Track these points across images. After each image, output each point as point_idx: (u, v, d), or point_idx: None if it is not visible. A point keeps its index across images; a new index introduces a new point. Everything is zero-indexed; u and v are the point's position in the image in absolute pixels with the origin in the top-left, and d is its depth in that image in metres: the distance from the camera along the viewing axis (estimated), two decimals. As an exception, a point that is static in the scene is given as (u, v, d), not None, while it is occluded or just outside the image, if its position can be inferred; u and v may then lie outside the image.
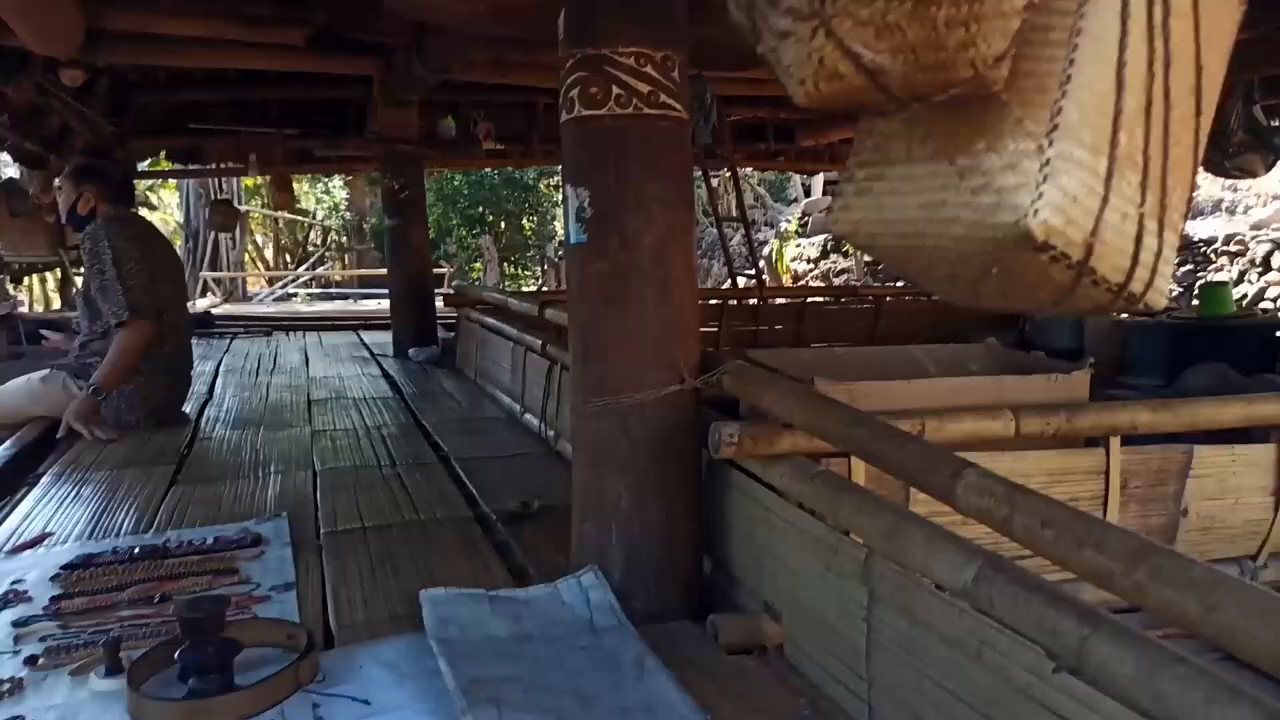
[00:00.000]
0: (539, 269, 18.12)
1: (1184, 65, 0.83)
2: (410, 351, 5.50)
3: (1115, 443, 1.91)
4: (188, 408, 3.94)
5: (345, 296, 16.79)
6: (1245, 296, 8.07)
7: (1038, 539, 1.06)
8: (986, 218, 0.81)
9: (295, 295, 17.06)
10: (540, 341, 3.53)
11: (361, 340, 6.59)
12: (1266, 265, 8.18)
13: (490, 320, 4.50)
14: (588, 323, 1.95)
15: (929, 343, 5.95)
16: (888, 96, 0.68)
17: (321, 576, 2.03)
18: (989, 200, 0.80)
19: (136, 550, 2.16)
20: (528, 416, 3.71)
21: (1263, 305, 8.03)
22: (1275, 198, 9.74)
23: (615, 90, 1.86)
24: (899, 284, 11.92)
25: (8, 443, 3.24)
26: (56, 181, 6.76)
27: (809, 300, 6.39)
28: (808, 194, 17.23)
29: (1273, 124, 4.75)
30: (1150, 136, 0.81)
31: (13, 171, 13.33)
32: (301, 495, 2.66)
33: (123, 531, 2.35)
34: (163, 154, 7.30)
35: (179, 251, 17.49)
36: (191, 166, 7.64)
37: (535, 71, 5.45)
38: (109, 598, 1.91)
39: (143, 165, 7.50)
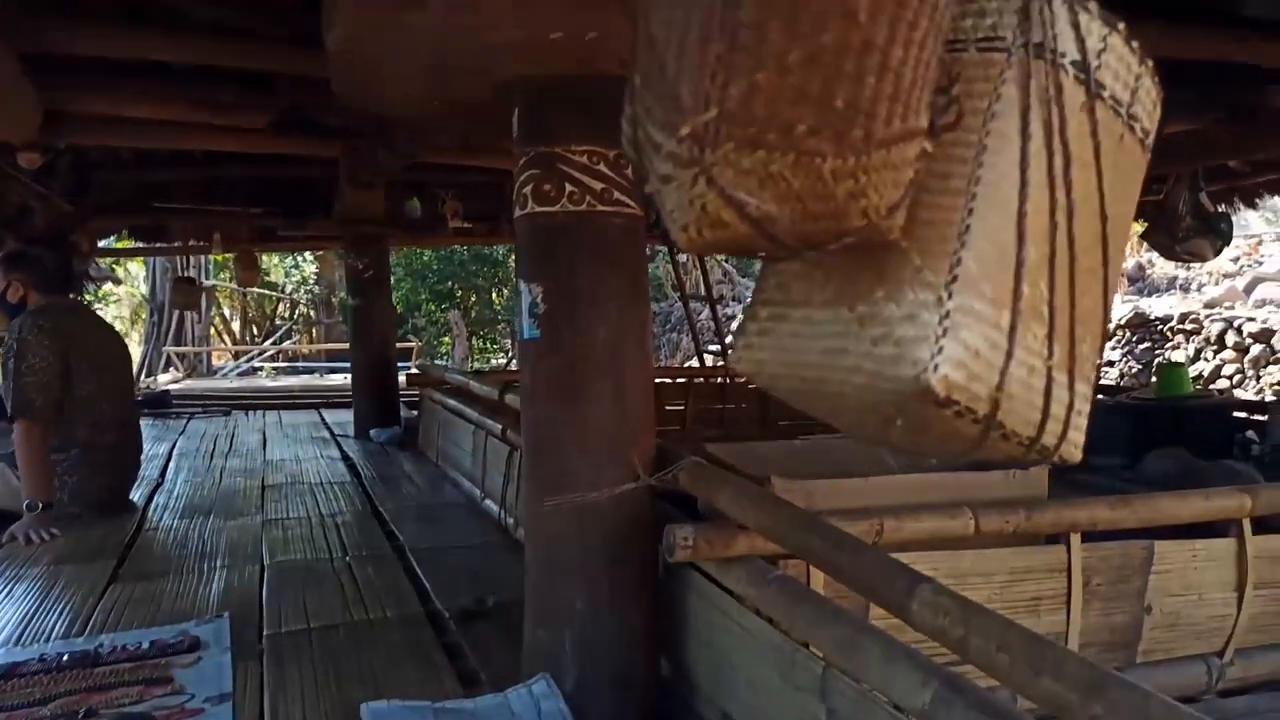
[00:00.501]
0: (508, 343, 18.11)
1: (1088, 214, 0.82)
2: (372, 432, 5.41)
3: (1076, 539, 1.88)
4: (136, 494, 3.82)
5: (311, 370, 16.62)
6: (1201, 374, 8.22)
7: (993, 663, 1.02)
8: (887, 369, 0.80)
9: (260, 369, 16.87)
10: (500, 426, 3.48)
11: (323, 419, 6.48)
12: (1221, 343, 8.35)
13: (452, 402, 4.44)
14: (541, 419, 1.91)
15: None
16: (776, 244, 0.66)
17: (261, 686, 1.93)
18: (889, 352, 0.79)
19: (65, 658, 2.05)
20: (488, 502, 3.63)
21: (1220, 383, 8.17)
22: (1226, 276, 10.02)
23: (568, 187, 1.87)
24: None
25: (-59, 537, 3.11)
26: None
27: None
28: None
29: (1218, 210, 4.90)
30: (1056, 288, 0.80)
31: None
32: (247, 592, 2.56)
33: (53, 635, 2.24)
34: (125, 231, 7.24)
35: (144, 325, 17.25)
36: (155, 244, 7.58)
37: (502, 155, 5.51)
38: (30, 713, 1.80)
39: (105, 242, 7.43)
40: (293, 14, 3.16)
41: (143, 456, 3.85)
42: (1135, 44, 0.90)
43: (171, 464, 4.69)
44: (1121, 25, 0.88)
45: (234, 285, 18.74)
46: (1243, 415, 4.43)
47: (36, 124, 3.67)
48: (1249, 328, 8.11)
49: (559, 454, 1.87)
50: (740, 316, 0.97)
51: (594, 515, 1.83)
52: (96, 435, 3.40)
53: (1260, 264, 10.25)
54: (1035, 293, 0.80)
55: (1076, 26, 0.83)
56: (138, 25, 3.50)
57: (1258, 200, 5.93)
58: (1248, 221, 10.76)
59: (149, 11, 3.45)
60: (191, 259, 16.15)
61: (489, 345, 17.58)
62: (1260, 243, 11.17)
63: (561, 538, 1.85)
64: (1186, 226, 4.49)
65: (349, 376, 12.31)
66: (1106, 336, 0.92)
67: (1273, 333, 8.00)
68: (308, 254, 19.72)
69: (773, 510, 1.52)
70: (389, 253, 5.89)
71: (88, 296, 8.83)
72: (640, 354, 1.93)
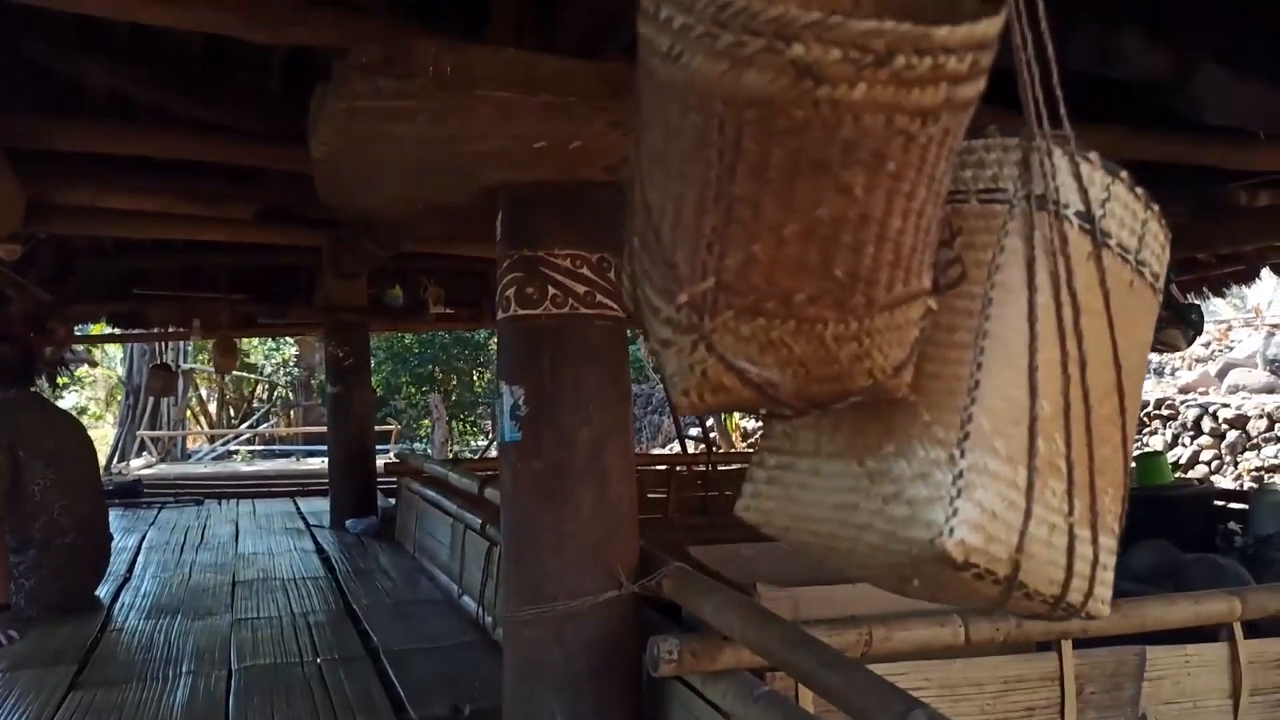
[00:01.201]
0: (488, 424, 18.00)
1: (1101, 363, 0.81)
2: (348, 523, 5.30)
3: (1067, 646, 1.85)
4: (103, 590, 3.69)
5: (288, 454, 16.39)
6: (1179, 461, 8.27)
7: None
8: (900, 530, 0.77)
9: (236, 453, 16.62)
10: (480, 520, 3.42)
11: (298, 509, 6.35)
12: (1197, 429, 8.43)
13: (430, 493, 4.37)
14: (521, 524, 1.88)
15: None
16: (780, 405, 0.65)
17: (223, 808, 1.84)
18: (901, 512, 0.77)
19: (16, 778, 1.95)
20: (465, 599, 3.54)
21: (1198, 469, 8.21)
22: (1199, 361, 10.17)
23: (551, 290, 1.88)
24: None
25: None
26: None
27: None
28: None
29: (1189, 300, 4.99)
30: (1072, 441, 0.79)
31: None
32: (211, 703, 2.45)
33: (6, 751, 2.13)
34: (104, 318, 7.20)
35: (120, 408, 17.01)
36: (132, 330, 7.53)
37: (485, 244, 5.56)
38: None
39: (82, 328, 7.38)
40: (279, 111, 3.21)
41: (109, 553, 3.73)
42: (1140, 190, 0.91)
43: (140, 557, 4.56)
44: (1124, 173, 0.89)
45: (209, 369, 18.64)
46: (1224, 504, 4.44)
47: (20, 216, 3.67)
48: (1224, 414, 8.20)
49: (539, 560, 1.84)
50: (750, 464, 0.93)
51: (575, 624, 1.79)
52: (54, 534, 3.26)
53: (1231, 349, 10.44)
54: (1051, 447, 0.78)
55: (1078, 177, 0.84)
56: (125, 121, 3.55)
57: (1225, 289, 6.07)
58: (1216, 308, 10.99)
59: (136, 107, 3.50)
60: (170, 343, 16.08)
61: (469, 428, 17.45)
62: (1230, 328, 11.39)
63: (541, 646, 1.80)
64: (1160, 318, 4.56)
65: (326, 460, 12.15)
66: (1129, 484, 0.90)
67: (1247, 419, 8.09)
68: (287, 337, 19.68)
69: (759, 624, 1.48)
70: (369, 341, 5.87)
71: (62, 380, 8.73)
72: (623, 456, 1.91)
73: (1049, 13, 0.75)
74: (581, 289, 1.89)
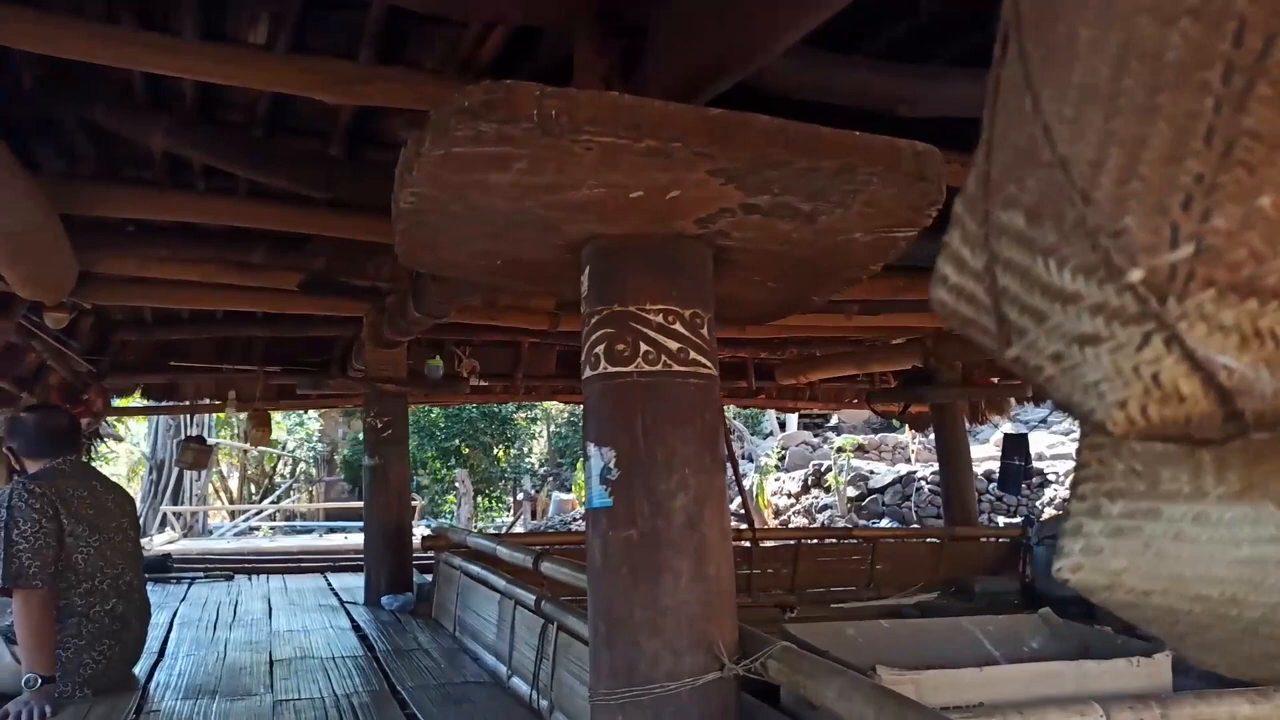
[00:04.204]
0: (511, 500, 17.79)
1: None
2: (384, 600, 5.13)
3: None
4: (137, 668, 3.54)
5: (310, 530, 16.22)
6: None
7: None
8: None
9: (258, 529, 16.47)
10: (534, 597, 3.26)
11: (329, 585, 6.18)
12: None
13: (474, 568, 4.21)
14: (612, 598, 1.74)
15: (930, 586, 5.72)
16: (1232, 424, 0.50)
17: None
18: None
19: None
20: (516, 681, 3.35)
21: None
22: None
23: (643, 347, 1.78)
24: (884, 522, 11.77)
25: (-77, 723, 2.83)
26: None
27: (802, 542, 6.15)
28: (783, 428, 17.40)
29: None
30: None
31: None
32: (261, 793, 2.28)
33: None
34: (138, 391, 7.18)
35: (142, 483, 16.99)
36: (166, 403, 7.50)
37: (524, 314, 5.53)
38: None
39: (114, 401, 7.35)
40: (337, 176, 3.19)
41: (148, 623, 3.58)
42: None
43: (173, 634, 4.40)
44: None
45: (234, 443, 18.61)
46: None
47: (71, 284, 3.64)
48: None
49: (633, 637, 1.69)
50: (1070, 513, 0.73)
51: (675, 709, 1.64)
52: (95, 603, 3.16)
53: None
54: None
55: None
56: (179, 188, 3.54)
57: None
58: None
59: (190, 174, 3.50)
60: (195, 416, 16.09)
61: (494, 504, 17.25)
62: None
63: (636, 736, 1.64)
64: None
65: (349, 536, 11.98)
66: None
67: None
68: (312, 411, 19.71)
69: (896, 712, 1.33)
70: (408, 412, 5.78)
71: (95, 453, 8.68)
72: (720, 525, 1.78)
73: None
74: (674, 346, 1.79)
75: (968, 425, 7.78)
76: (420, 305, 4.14)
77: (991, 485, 11.00)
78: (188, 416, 16.12)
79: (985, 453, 12.03)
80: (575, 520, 14.62)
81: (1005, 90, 0.57)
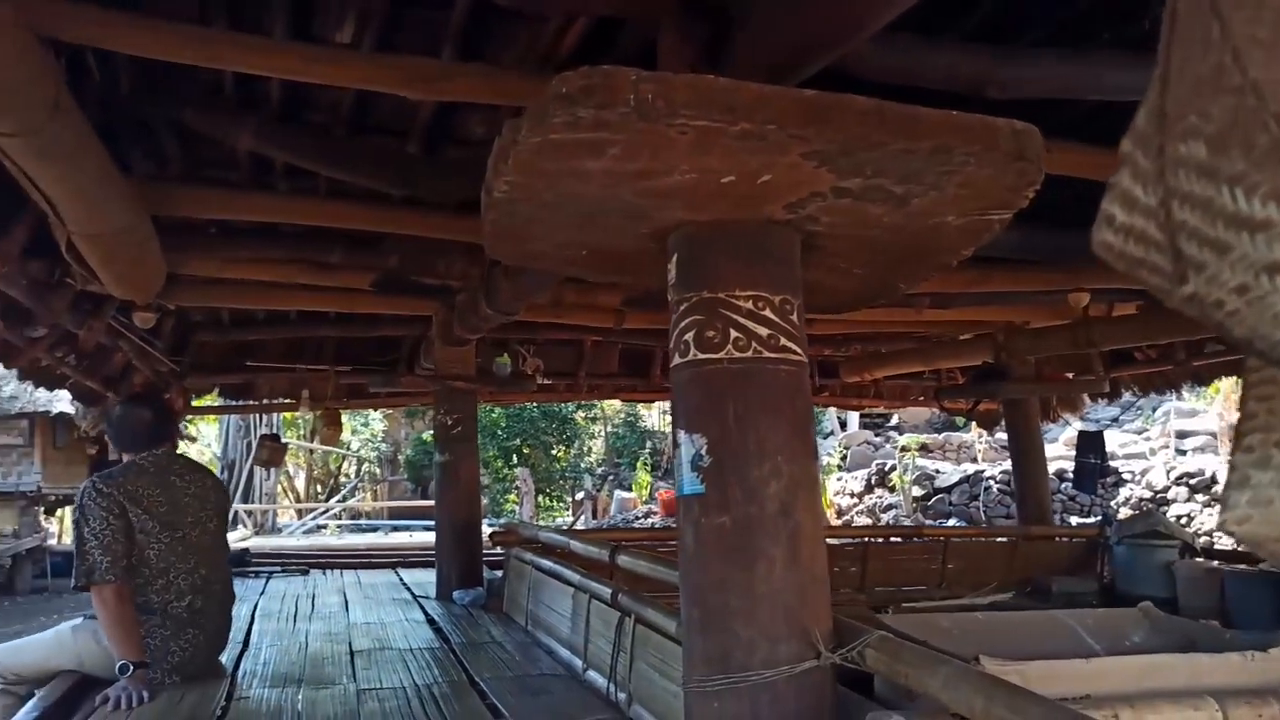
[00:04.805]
0: (570, 499, 17.89)
1: None
2: (455, 594, 5.20)
3: (1336, 734, 1.60)
4: (224, 657, 3.63)
5: (375, 528, 16.53)
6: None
7: None
8: None
9: (325, 527, 16.84)
10: (610, 590, 3.26)
11: (401, 579, 6.29)
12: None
13: (546, 563, 4.24)
14: (705, 585, 1.73)
15: (1004, 586, 5.59)
16: None
17: None
18: None
19: None
20: (592, 674, 3.37)
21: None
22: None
23: (733, 334, 1.77)
24: (951, 522, 11.55)
25: (30, 704, 2.95)
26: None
27: (870, 540, 6.07)
28: (843, 427, 17.21)
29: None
30: None
31: (64, 405, 13.67)
32: (353, 777, 2.33)
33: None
34: (216, 390, 7.39)
35: (214, 483, 17.52)
36: (242, 402, 7.71)
37: (589, 312, 5.55)
38: None
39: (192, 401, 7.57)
40: (415, 174, 3.24)
41: (231, 618, 3.65)
42: None
43: (255, 626, 4.52)
44: None
45: (301, 443, 19.06)
46: None
47: (160, 284, 3.77)
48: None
49: (727, 625, 1.69)
50: (1235, 465, 0.70)
51: (770, 696, 1.62)
52: (172, 599, 3.20)
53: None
54: None
55: None
56: (262, 189, 3.63)
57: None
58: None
59: (272, 175, 3.59)
60: (264, 416, 16.51)
61: (554, 502, 17.38)
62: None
63: (734, 722, 1.63)
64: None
65: (413, 535, 12.13)
66: None
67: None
68: (374, 412, 20.09)
69: (1008, 701, 1.30)
70: (477, 409, 5.85)
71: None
72: (813, 512, 1.76)
73: None
74: (764, 332, 1.78)
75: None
76: (492, 302, 4.19)
77: (1064, 485, 10.72)
78: (257, 417, 16.52)
79: (1055, 452, 11.73)
80: (638, 518, 14.67)
81: (1184, 19, 0.55)
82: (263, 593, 5.69)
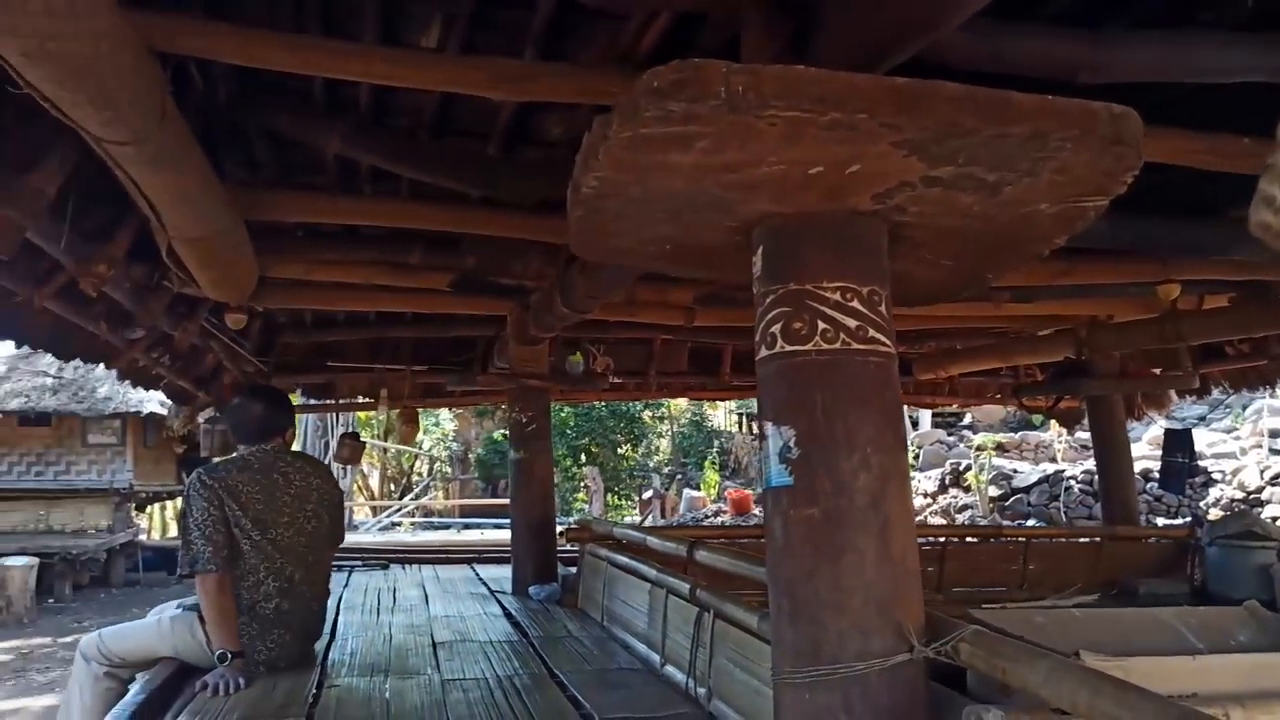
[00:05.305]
0: (638, 498, 17.96)
1: None
2: (531, 589, 5.27)
3: None
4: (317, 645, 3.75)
5: (447, 526, 16.85)
6: None
7: None
8: None
9: (399, 524, 17.23)
10: (689, 585, 3.27)
11: (477, 574, 6.40)
12: None
13: (622, 559, 4.27)
14: (794, 576, 1.73)
15: (1089, 588, 5.44)
16: None
17: None
18: None
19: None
20: (670, 669, 3.38)
21: None
22: None
23: (821, 325, 1.77)
24: (1030, 523, 11.26)
25: (136, 687, 3.09)
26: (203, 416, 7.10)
27: (948, 540, 5.96)
28: (915, 426, 16.91)
29: None
30: None
31: (153, 405, 14.26)
32: (444, 762, 2.38)
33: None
34: (298, 390, 7.62)
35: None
36: (323, 401, 7.94)
37: (660, 309, 5.57)
38: None
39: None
40: (495, 174, 3.30)
41: (322, 620, 3.71)
42: None
43: (341, 617, 4.65)
44: None
45: (376, 442, 19.52)
46: None
47: (253, 287, 3.91)
48: None
49: (817, 616, 1.68)
50: None
51: (862, 689, 1.62)
52: (259, 599, 3.28)
53: None
54: None
55: None
56: (347, 192, 3.74)
57: None
58: None
59: (356, 179, 3.69)
60: (341, 416, 16.94)
61: (622, 500, 17.47)
62: None
63: (826, 713, 1.63)
64: None
65: (487, 533, 12.31)
66: None
67: None
68: (446, 412, 20.46)
69: (1116, 698, 1.27)
70: (550, 407, 5.92)
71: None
72: (903, 506, 1.75)
73: None
74: (853, 324, 1.77)
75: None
76: (567, 300, 4.24)
77: (1149, 485, 10.37)
78: (333, 417, 16.94)
79: (1139, 451, 11.36)
80: (707, 517, 14.67)
81: None
82: (346, 585, 5.85)
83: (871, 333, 1.78)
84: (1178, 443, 7.36)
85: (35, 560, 12.69)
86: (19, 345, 4.73)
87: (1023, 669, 1.45)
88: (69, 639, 10.85)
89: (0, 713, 7.90)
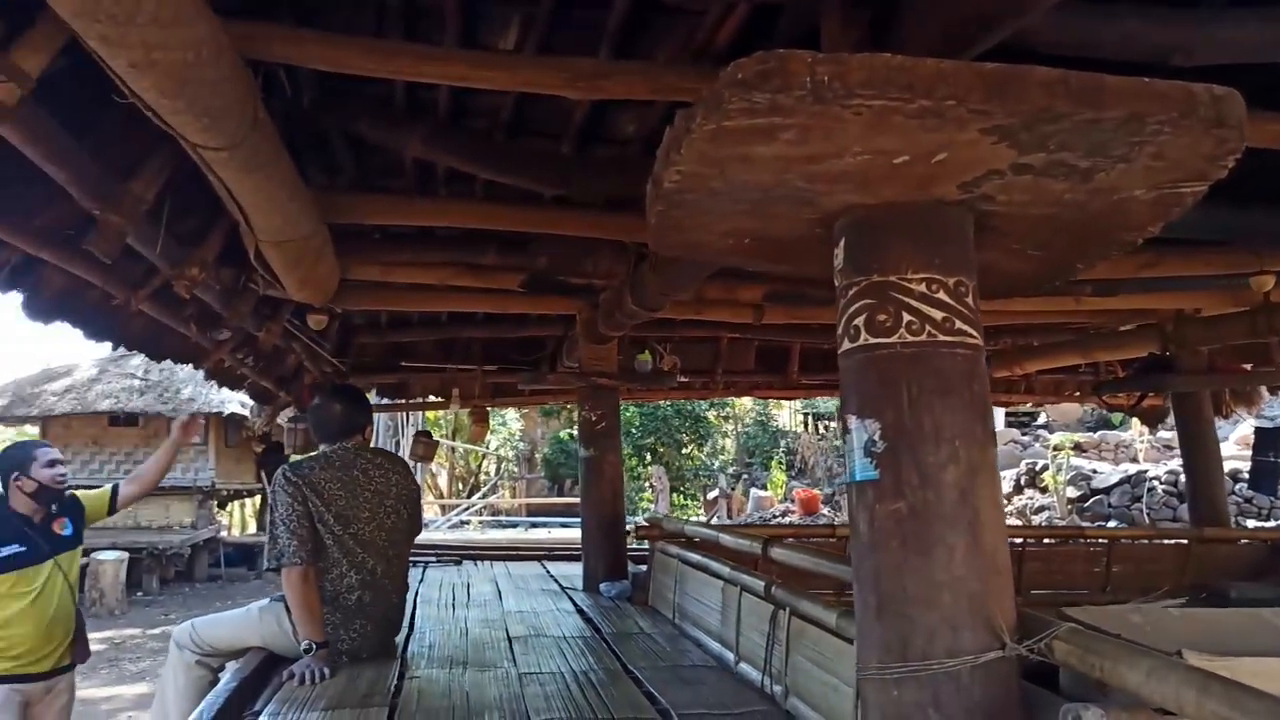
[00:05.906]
0: (702, 497, 17.93)
1: None
2: (602, 586, 5.30)
3: None
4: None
5: (515, 525, 17.06)
6: None
7: None
8: None
9: (468, 523, 17.49)
10: (764, 583, 3.26)
11: (547, 571, 6.47)
12: None
13: (694, 556, 4.27)
14: (880, 571, 1.71)
15: (1177, 592, 5.26)
16: None
17: None
18: None
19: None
20: (744, 666, 3.37)
21: None
22: None
23: (906, 317, 1.75)
24: (1111, 525, 10.92)
25: (228, 675, 3.21)
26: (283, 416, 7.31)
27: (1026, 542, 5.81)
28: (987, 424, 16.49)
29: None
30: None
31: (234, 406, 14.75)
32: (526, 754, 2.42)
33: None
34: (374, 390, 7.80)
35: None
36: (397, 401, 8.11)
37: (728, 307, 5.56)
38: None
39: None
40: (569, 173, 3.33)
41: (402, 613, 3.79)
42: None
43: (418, 611, 4.75)
44: None
45: (444, 441, 19.86)
46: None
47: (335, 288, 4.01)
48: None
49: (905, 612, 1.66)
50: None
51: (953, 686, 1.59)
52: (342, 591, 3.36)
53: None
54: None
55: None
56: (425, 195, 3.82)
57: None
58: None
59: (432, 181, 3.77)
60: (410, 416, 17.28)
61: (688, 500, 17.46)
62: None
63: (915, 710, 1.61)
64: None
65: (554, 531, 12.42)
66: None
67: None
68: (512, 412, 20.71)
69: (1226, 699, 1.23)
70: (619, 405, 5.95)
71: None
72: (993, 500, 1.72)
73: None
74: (939, 315, 1.75)
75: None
76: (638, 298, 4.25)
77: (1238, 485, 9.96)
78: (404, 416, 17.28)
79: (1226, 451, 10.91)
80: (775, 517, 14.58)
81: None
82: (421, 580, 5.97)
83: (958, 324, 1.75)
84: (1269, 442, 7.06)
85: (125, 555, 13.24)
86: (115, 347, 4.92)
87: (1123, 667, 1.41)
88: (157, 630, 11.30)
89: (96, 699, 8.26)
